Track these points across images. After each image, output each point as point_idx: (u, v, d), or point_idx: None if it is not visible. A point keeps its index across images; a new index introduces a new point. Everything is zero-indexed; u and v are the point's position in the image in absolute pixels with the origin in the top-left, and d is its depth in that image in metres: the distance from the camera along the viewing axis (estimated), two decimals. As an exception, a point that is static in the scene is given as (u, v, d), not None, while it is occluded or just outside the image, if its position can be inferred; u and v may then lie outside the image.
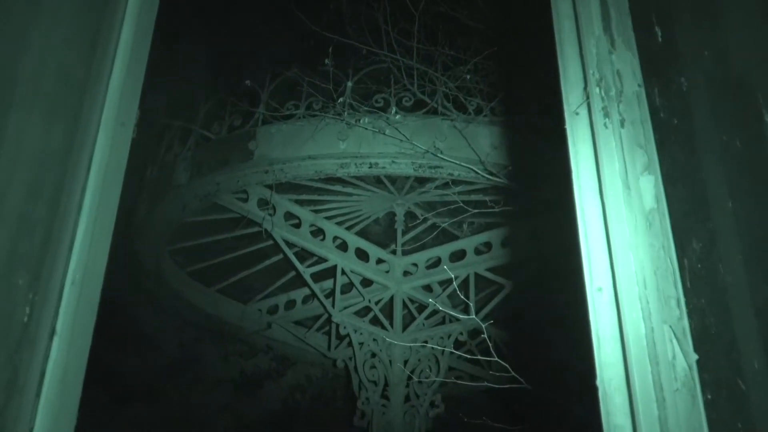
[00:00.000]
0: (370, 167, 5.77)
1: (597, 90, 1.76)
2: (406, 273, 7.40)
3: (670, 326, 1.55)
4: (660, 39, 2.05)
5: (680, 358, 1.52)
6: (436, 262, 7.36)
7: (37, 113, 1.47)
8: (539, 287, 7.47)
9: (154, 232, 6.58)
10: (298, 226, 6.91)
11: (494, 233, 7.13)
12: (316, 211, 7.06)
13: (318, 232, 7.09)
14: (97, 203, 1.53)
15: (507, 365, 4.27)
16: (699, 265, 1.71)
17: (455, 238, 7.48)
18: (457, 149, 5.53)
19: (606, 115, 1.73)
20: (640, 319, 1.52)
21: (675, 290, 1.60)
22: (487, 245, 7.19)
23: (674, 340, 1.53)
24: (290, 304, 7.98)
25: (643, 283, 1.56)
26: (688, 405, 1.49)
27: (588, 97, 1.78)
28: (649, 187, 1.69)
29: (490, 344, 4.31)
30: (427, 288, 7.46)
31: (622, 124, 1.74)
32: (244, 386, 8.44)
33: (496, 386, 4.82)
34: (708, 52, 2.04)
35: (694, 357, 1.53)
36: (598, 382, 1.54)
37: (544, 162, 5.36)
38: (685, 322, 1.58)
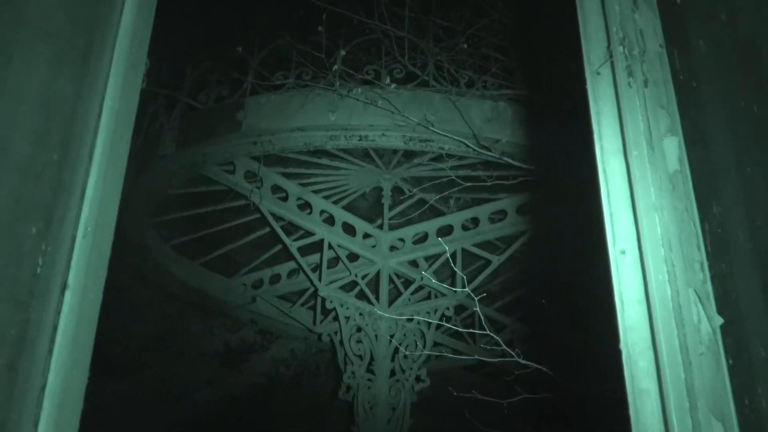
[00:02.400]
0: (360, 140, 5.70)
1: (621, 48, 1.71)
2: (392, 248, 7.37)
3: (695, 290, 1.52)
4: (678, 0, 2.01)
5: (705, 322, 1.49)
6: (423, 238, 7.33)
7: (43, 54, 1.39)
8: (529, 260, 7.48)
9: (138, 203, 6.47)
10: (285, 199, 6.84)
11: (481, 209, 7.11)
12: (303, 185, 6.99)
13: (305, 206, 7.03)
14: (108, 152, 1.46)
15: (498, 338, 4.26)
16: (719, 230, 1.68)
17: (442, 213, 7.45)
18: (449, 122, 5.48)
19: (630, 74, 1.68)
20: (665, 282, 1.49)
21: (699, 254, 1.57)
22: (474, 221, 7.17)
23: (699, 304, 1.50)
24: (275, 278, 7.92)
25: (668, 245, 1.53)
26: (713, 369, 1.46)
27: (611, 56, 1.73)
28: (673, 149, 1.66)
29: (482, 318, 4.30)
30: (414, 263, 7.43)
31: (645, 84, 1.69)
32: (228, 360, 8.39)
33: (486, 359, 4.82)
34: (724, 15, 2.00)
35: (719, 321, 1.50)
36: (622, 345, 1.50)
37: (538, 135, 5.34)
38: (709, 286, 1.55)
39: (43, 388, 1.27)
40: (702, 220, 1.65)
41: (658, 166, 1.61)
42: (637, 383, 1.45)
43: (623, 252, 1.58)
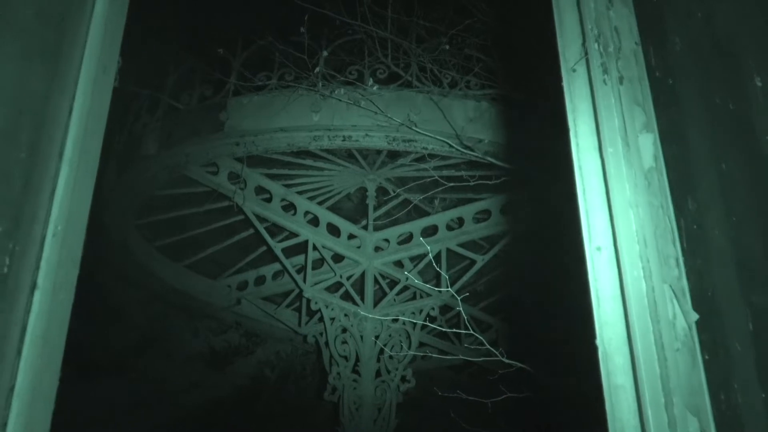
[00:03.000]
0: (343, 140, 5.68)
1: (596, 45, 1.72)
2: (377, 248, 7.36)
3: (670, 286, 1.52)
4: (655, -2, 2.02)
5: (680, 317, 1.49)
6: (408, 238, 7.33)
7: (11, 50, 1.37)
8: (513, 260, 7.50)
9: (121, 204, 6.43)
10: (269, 200, 6.82)
11: (466, 209, 7.12)
12: (287, 186, 6.96)
13: (289, 207, 7.01)
14: (79, 150, 1.44)
15: (482, 338, 4.26)
16: (695, 226, 1.69)
17: (426, 214, 7.45)
18: (432, 122, 5.48)
19: (605, 71, 1.69)
20: (641, 278, 1.49)
21: (674, 250, 1.58)
22: (459, 221, 7.18)
23: (674, 300, 1.50)
24: (260, 280, 7.90)
25: (643, 241, 1.53)
26: (689, 365, 1.46)
27: (586, 53, 1.73)
28: (648, 146, 1.66)
29: (465, 318, 4.30)
30: (399, 264, 7.43)
31: (620, 81, 1.70)
32: (213, 362, 8.35)
33: (471, 359, 4.83)
34: (700, 14, 2.02)
35: (695, 317, 1.51)
36: (598, 341, 1.50)
37: (521, 134, 5.35)
38: (684, 282, 1.56)
39: (12, 389, 1.25)
40: (678, 217, 1.66)
41: (633, 162, 1.61)
42: (612, 379, 1.45)
43: (599, 248, 1.58)
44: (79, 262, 1.48)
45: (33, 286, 1.33)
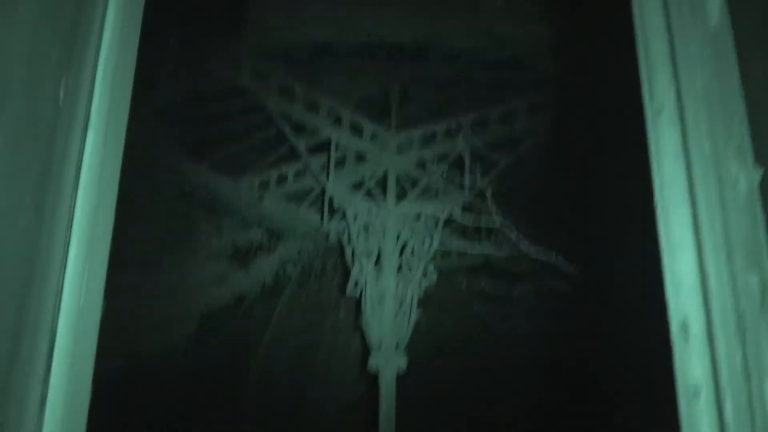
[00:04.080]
0: (368, 36, 5.57)
1: None
2: (400, 148, 7.31)
3: (733, 146, 1.48)
4: None
5: (742, 178, 1.46)
6: (431, 138, 7.26)
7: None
8: (540, 161, 7.43)
9: (143, 104, 6.38)
10: (292, 99, 6.74)
11: (492, 109, 7.01)
12: (310, 84, 6.86)
13: (312, 106, 6.92)
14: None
15: (511, 225, 4.26)
16: (757, 90, 1.63)
17: (451, 114, 7.35)
18: (461, 15, 5.34)
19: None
20: (704, 137, 1.46)
21: (738, 110, 1.53)
22: (484, 121, 7.08)
23: (737, 160, 1.47)
24: (282, 179, 7.89)
25: (707, 101, 1.49)
26: (750, 224, 1.44)
27: None
28: (714, 5, 1.59)
29: (492, 208, 4.28)
30: (422, 163, 7.38)
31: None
32: (236, 259, 8.47)
33: (497, 253, 4.85)
34: None
35: (757, 177, 1.47)
36: (657, 197, 1.49)
37: (554, 30, 5.21)
38: (747, 143, 1.52)
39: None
40: (743, 79, 1.60)
41: (699, 21, 1.55)
42: (671, 236, 1.44)
43: (660, 110, 1.54)
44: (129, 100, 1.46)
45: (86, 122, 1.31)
